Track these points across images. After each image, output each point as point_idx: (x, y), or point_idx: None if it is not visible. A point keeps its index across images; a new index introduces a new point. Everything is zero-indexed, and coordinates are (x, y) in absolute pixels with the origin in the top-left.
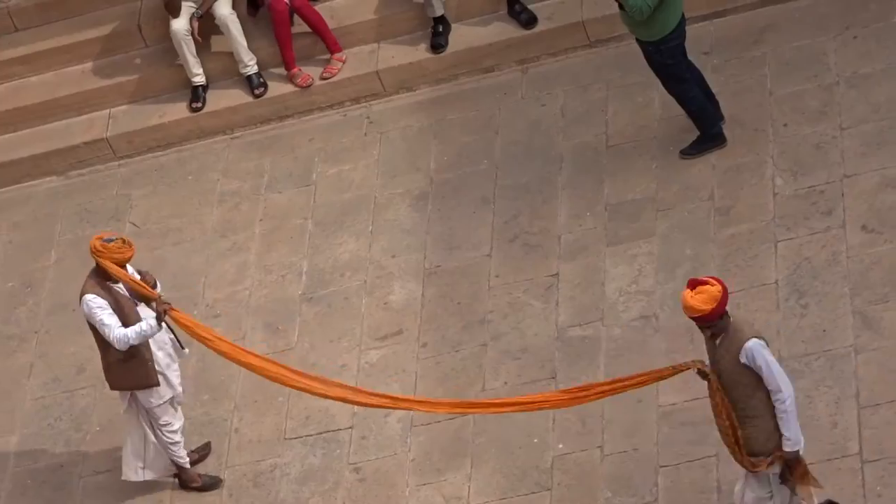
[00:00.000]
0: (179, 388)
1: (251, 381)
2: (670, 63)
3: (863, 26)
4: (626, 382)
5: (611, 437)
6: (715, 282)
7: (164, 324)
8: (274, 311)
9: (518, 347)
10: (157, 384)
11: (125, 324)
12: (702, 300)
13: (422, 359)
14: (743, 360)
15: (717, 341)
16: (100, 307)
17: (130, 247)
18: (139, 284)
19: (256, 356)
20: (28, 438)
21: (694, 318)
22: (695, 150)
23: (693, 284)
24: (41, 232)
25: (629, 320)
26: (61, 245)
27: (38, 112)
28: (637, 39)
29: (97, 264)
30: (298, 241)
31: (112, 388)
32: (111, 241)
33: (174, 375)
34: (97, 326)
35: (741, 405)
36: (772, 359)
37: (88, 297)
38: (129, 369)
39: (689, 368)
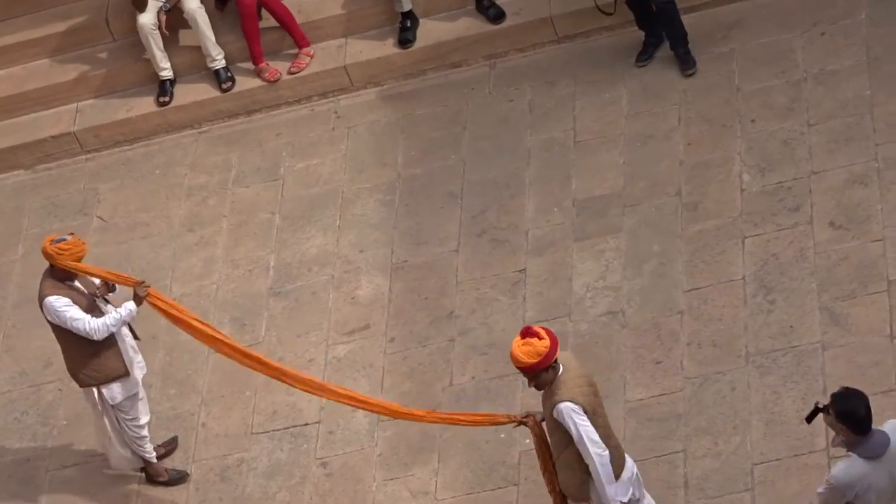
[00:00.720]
0: (140, 380)
1: (218, 376)
2: None
3: (830, 23)
4: (461, 419)
5: None
6: (545, 335)
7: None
8: (241, 306)
9: (485, 342)
10: (128, 374)
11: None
12: (525, 353)
13: (389, 353)
14: (555, 416)
15: (543, 391)
16: (65, 306)
17: (83, 241)
18: (112, 274)
19: (231, 344)
20: None
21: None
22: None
23: (524, 333)
24: (8, 226)
25: (596, 316)
26: (28, 239)
27: (5, 106)
28: None
29: (52, 266)
30: (266, 236)
31: (82, 385)
32: (62, 240)
33: (138, 369)
34: (68, 324)
35: (556, 452)
36: (582, 422)
37: (50, 299)
38: (98, 363)
39: (518, 422)
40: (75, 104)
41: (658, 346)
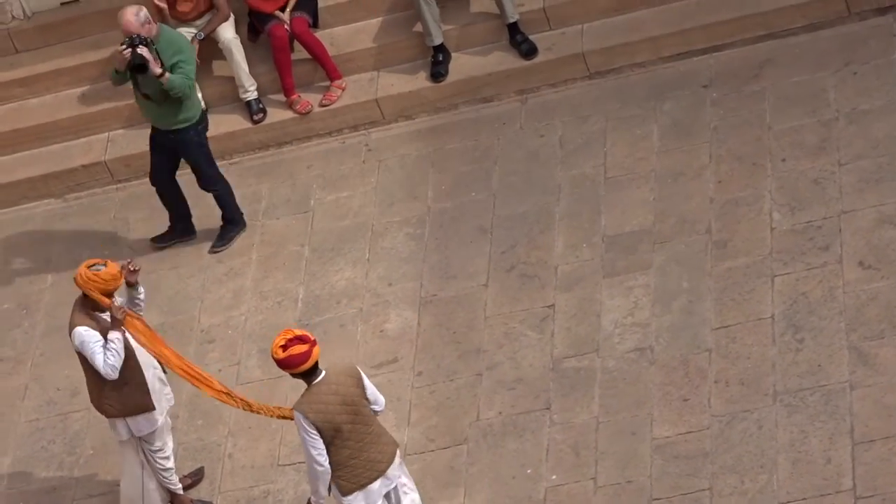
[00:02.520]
0: (166, 412)
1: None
2: (205, 142)
3: (862, 62)
4: (254, 407)
5: (604, 469)
6: (306, 343)
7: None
8: (269, 338)
9: (513, 378)
10: (154, 408)
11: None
12: (275, 349)
13: (416, 387)
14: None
15: None
16: (92, 340)
17: (121, 275)
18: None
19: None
20: (21, 460)
21: None
22: (223, 242)
23: (294, 340)
24: (38, 254)
25: (624, 352)
26: (57, 268)
27: (37, 134)
28: (166, 132)
29: (84, 295)
30: (295, 268)
31: (108, 416)
32: (100, 268)
33: (165, 401)
34: (89, 358)
35: None
36: (306, 435)
37: (81, 329)
38: (123, 396)
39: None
40: (107, 133)
41: (686, 383)
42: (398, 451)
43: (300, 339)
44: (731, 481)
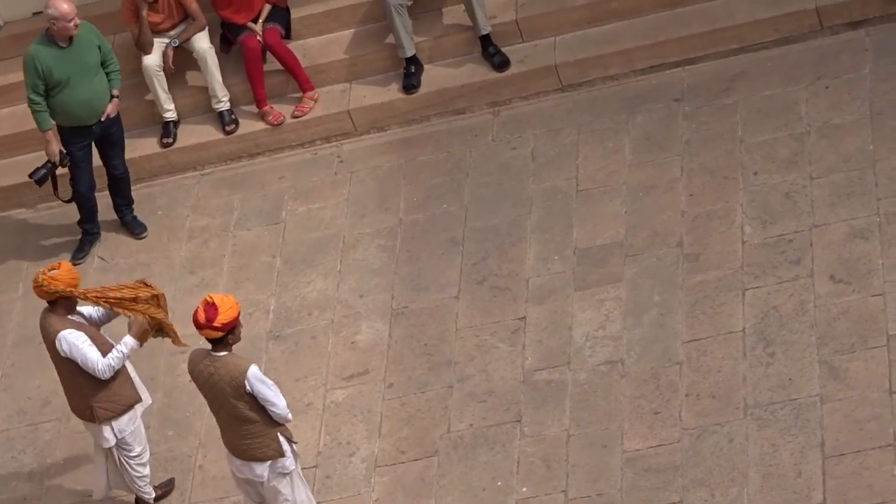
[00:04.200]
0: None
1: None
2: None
3: (834, 77)
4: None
5: (575, 482)
6: (206, 320)
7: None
8: (240, 349)
9: (484, 390)
10: (142, 399)
11: (96, 346)
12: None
13: (387, 399)
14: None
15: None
16: (79, 340)
17: (73, 266)
18: (105, 299)
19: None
20: None
21: None
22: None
23: (213, 301)
24: (9, 265)
25: (595, 365)
26: (29, 278)
27: (9, 144)
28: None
29: (51, 303)
30: (266, 279)
31: (100, 421)
32: (55, 271)
33: (145, 397)
34: (80, 361)
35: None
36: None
37: (65, 333)
38: (113, 392)
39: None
40: None
41: (657, 396)
42: (269, 462)
43: (210, 310)
44: (702, 495)
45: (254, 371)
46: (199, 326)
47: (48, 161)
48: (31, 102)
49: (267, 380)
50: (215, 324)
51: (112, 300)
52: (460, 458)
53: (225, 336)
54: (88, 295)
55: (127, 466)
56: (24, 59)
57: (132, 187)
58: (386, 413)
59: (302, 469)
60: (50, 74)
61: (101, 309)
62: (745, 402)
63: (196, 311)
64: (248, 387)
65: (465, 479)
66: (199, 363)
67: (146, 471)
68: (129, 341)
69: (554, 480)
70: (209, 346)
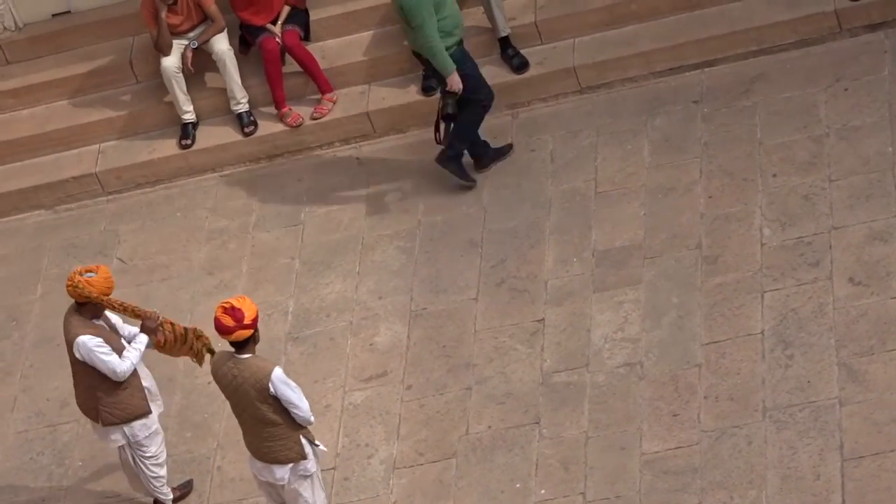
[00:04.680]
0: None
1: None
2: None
3: (853, 79)
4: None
5: (593, 484)
6: (232, 322)
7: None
8: (259, 350)
9: (502, 392)
10: (151, 412)
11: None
12: (219, 306)
13: (406, 401)
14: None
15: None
16: (98, 346)
17: (109, 273)
18: (129, 307)
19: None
20: (9, 472)
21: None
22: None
23: (235, 303)
24: (28, 266)
25: (614, 367)
26: (48, 279)
27: (28, 146)
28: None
29: (78, 304)
30: (285, 281)
31: (106, 424)
32: (91, 275)
33: (155, 406)
34: (98, 365)
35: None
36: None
37: (84, 338)
38: (122, 401)
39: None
40: (97, 145)
41: (675, 398)
42: (291, 465)
43: (233, 314)
44: (721, 497)
45: (278, 373)
46: (227, 331)
47: (447, 95)
48: (432, 42)
49: (291, 382)
50: (245, 321)
51: (138, 312)
52: (479, 460)
53: (252, 335)
54: (114, 304)
55: (143, 467)
56: (412, 4)
57: (153, 189)
58: (404, 415)
59: (321, 471)
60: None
61: (129, 329)
62: (764, 404)
63: (218, 320)
64: (271, 389)
65: (483, 481)
66: (222, 366)
67: (162, 471)
68: (143, 339)
69: (572, 482)
70: (232, 349)
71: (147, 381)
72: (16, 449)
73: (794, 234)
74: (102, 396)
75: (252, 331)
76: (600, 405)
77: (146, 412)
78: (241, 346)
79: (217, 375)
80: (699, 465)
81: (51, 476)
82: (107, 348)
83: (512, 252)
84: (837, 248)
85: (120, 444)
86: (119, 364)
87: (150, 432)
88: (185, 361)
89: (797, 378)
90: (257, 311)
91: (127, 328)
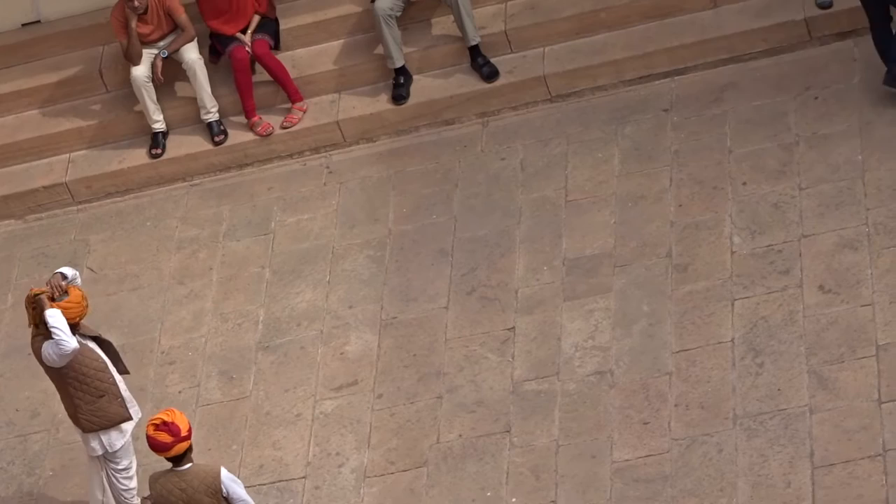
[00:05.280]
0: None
1: (205, 430)
2: None
3: (823, 87)
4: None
5: (564, 493)
6: (169, 437)
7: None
8: (229, 359)
9: (473, 400)
10: (131, 418)
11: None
12: (150, 424)
13: (376, 410)
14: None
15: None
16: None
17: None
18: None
19: None
20: None
21: None
22: None
23: (166, 419)
24: None
25: (584, 375)
26: (18, 289)
27: None
28: None
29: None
30: (255, 290)
31: (86, 431)
32: (63, 297)
33: (134, 411)
34: (55, 355)
35: None
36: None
37: (49, 342)
38: (100, 408)
39: None
40: (67, 155)
41: (646, 406)
42: None
43: (168, 428)
44: None
45: (226, 473)
46: (166, 448)
47: None
48: None
49: (235, 477)
50: (183, 433)
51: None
52: (449, 469)
53: (189, 446)
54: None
55: (114, 479)
56: None
57: (123, 198)
58: (375, 424)
59: (291, 480)
60: None
61: None
62: (735, 412)
63: (153, 438)
64: (224, 490)
65: (454, 489)
66: (166, 484)
67: (133, 483)
68: (53, 312)
69: (543, 491)
70: (167, 466)
71: (125, 390)
72: None
73: (765, 242)
74: (80, 404)
75: (190, 441)
76: (571, 413)
77: (126, 418)
78: (179, 459)
79: (163, 498)
80: (670, 473)
81: (21, 486)
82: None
83: (482, 261)
84: (807, 256)
85: (98, 454)
86: (55, 349)
87: (124, 441)
88: (155, 371)
89: (767, 386)
90: (188, 422)
91: None
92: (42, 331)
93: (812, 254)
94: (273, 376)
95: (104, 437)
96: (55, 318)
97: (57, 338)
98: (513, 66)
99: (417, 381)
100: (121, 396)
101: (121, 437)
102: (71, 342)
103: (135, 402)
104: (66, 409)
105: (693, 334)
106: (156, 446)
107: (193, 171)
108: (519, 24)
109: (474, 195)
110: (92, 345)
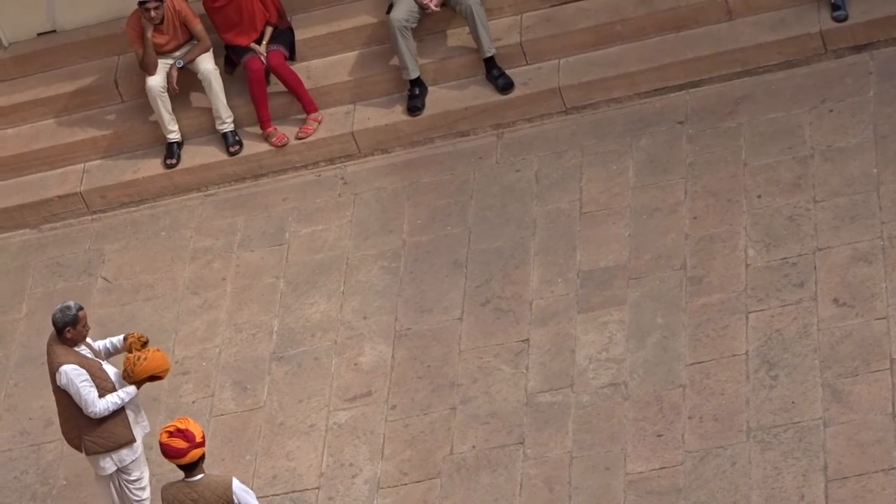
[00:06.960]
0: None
1: (219, 440)
2: None
3: (838, 100)
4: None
5: None
6: (184, 443)
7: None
8: (243, 370)
9: (487, 412)
10: (135, 440)
11: (94, 381)
12: (163, 431)
13: (390, 421)
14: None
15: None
16: (79, 377)
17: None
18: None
19: None
20: None
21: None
22: None
23: (180, 426)
24: (12, 285)
25: (598, 387)
26: (32, 298)
27: (13, 164)
28: None
29: (58, 329)
30: (270, 300)
31: (90, 453)
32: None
33: (140, 428)
34: (75, 396)
35: None
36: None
37: (68, 367)
38: (105, 430)
39: None
40: (82, 164)
41: (660, 419)
42: None
43: (183, 435)
44: None
45: (237, 484)
46: (180, 454)
47: None
48: None
49: (247, 488)
50: (197, 440)
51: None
52: (463, 480)
53: (203, 454)
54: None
55: (127, 491)
56: None
57: (138, 208)
58: (389, 435)
59: (304, 490)
60: None
61: (111, 341)
62: (748, 424)
63: (168, 445)
64: (236, 501)
65: (467, 501)
66: (178, 495)
67: (146, 494)
68: (131, 390)
69: (557, 503)
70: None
71: (131, 403)
72: (0, 468)
73: (779, 254)
74: (85, 426)
75: (204, 448)
76: (585, 425)
77: (130, 441)
78: (192, 467)
79: None
80: (683, 485)
81: (35, 495)
82: (89, 381)
83: (497, 272)
84: (822, 269)
85: (110, 472)
86: (95, 403)
87: (136, 456)
88: (169, 381)
89: (781, 399)
90: (202, 430)
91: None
92: (63, 345)
93: (827, 267)
94: (287, 387)
95: (114, 455)
96: (129, 393)
97: (107, 403)
98: (528, 78)
99: (431, 392)
100: (126, 418)
101: (132, 453)
102: (100, 413)
103: (144, 417)
104: (67, 431)
105: (707, 347)
106: (170, 452)
107: (208, 181)
108: (534, 36)
109: (489, 207)
110: (107, 366)
